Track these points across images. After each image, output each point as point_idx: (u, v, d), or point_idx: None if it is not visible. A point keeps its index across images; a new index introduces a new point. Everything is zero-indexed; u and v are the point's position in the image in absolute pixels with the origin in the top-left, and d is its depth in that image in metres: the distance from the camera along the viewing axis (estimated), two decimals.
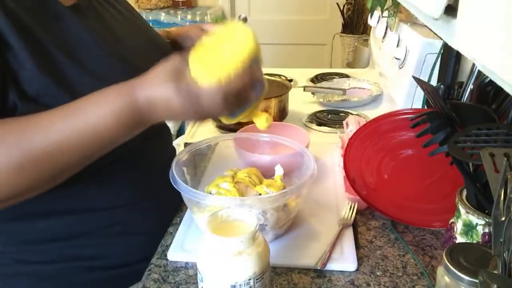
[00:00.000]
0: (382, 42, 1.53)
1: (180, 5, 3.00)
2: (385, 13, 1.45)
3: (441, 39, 0.51)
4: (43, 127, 0.63)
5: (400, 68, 1.28)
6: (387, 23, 1.46)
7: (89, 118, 0.63)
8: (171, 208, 0.93)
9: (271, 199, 0.77)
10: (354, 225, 0.87)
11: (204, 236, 0.61)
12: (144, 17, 2.89)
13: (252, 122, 0.83)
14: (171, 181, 0.79)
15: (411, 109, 1.07)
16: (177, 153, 1.01)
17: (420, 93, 1.17)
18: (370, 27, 1.77)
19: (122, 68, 0.76)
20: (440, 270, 0.59)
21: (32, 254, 0.79)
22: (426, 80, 1.12)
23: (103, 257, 0.82)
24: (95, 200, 0.80)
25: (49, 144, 0.62)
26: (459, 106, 0.75)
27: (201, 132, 1.35)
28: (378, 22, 1.54)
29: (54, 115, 0.64)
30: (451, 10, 0.41)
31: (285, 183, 0.89)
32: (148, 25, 0.98)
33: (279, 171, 0.89)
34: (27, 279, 0.80)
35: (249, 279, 0.59)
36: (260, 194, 0.83)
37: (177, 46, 1.00)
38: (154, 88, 0.64)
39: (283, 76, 1.77)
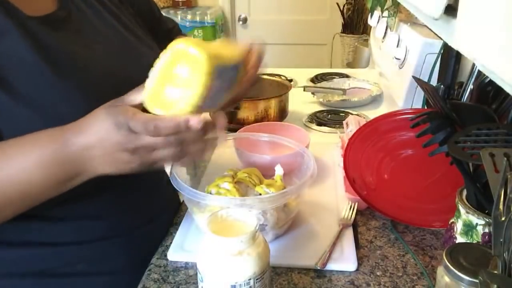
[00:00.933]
0: (382, 42, 1.53)
1: (180, 5, 2.99)
2: (385, 13, 1.45)
3: (441, 39, 0.51)
4: None
5: (400, 68, 1.28)
6: (387, 23, 1.46)
7: (11, 169, 0.58)
8: (146, 245, 0.83)
9: (271, 199, 0.77)
10: (354, 225, 0.87)
11: (204, 236, 0.61)
12: None
13: (253, 122, 0.83)
14: (171, 181, 0.79)
15: (411, 109, 1.07)
16: None
17: (420, 93, 1.17)
18: (370, 27, 1.76)
19: (76, 96, 0.66)
20: (440, 270, 0.59)
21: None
22: (426, 80, 1.12)
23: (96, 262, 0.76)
24: (55, 233, 0.72)
25: None
26: (459, 106, 0.74)
27: None
28: (378, 22, 1.54)
29: None
30: (451, 10, 0.40)
31: (285, 183, 0.89)
32: (140, 41, 0.84)
33: (279, 171, 0.89)
34: None
35: (249, 279, 0.59)
36: (260, 194, 0.83)
37: None
38: (90, 130, 0.58)
39: (283, 76, 1.77)
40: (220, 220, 0.63)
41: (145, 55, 0.79)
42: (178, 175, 0.80)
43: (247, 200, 0.77)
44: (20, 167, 0.58)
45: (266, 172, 1.00)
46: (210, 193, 0.83)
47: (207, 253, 0.60)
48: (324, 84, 1.65)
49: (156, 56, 0.59)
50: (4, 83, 0.61)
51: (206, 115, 0.60)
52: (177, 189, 0.78)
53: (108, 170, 0.60)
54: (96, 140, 0.58)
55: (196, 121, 0.56)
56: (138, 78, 0.64)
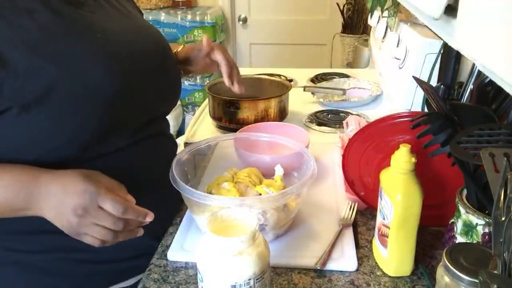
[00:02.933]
0: (382, 42, 1.53)
1: (180, 5, 2.99)
2: (385, 13, 1.45)
3: (441, 39, 0.51)
4: None
5: (400, 68, 1.28)
6: (387, 23, 1.46)
7: None
8: (172, 204, 0.93)
9: (271, 199, 0.77)
10: (354, 225, 0.87)
11: (204, 236, 0.61)
12: (144, 17, 2.91)
13: (253, 122, 0.83)
14: (171, 181, 0.79)
15: (410, 112, 1.07)
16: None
17: (420, 93, 1.17)
18: (370, 27, 1.77)
19: (98, 58, 0.75)
20: (440, 270, 0.59)
21: (21, 243, 0.79)
22: (426, 80, 1.12)
23: (93, 250, 0.77)
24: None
25: None
26: (458, 106, 0.74)
27: (201, 132, 1.35)
28: (378, 22, 1.54)
29: None
30: (451, 10, 0.40)
31: (285, 183, 0.89)
32: (147, 24, 0.99)
33: (279, 171, 0.89)
34: (14, 267, 0.80)
35: (249, 279, 0.59)
36: (260, 194, 0.83)
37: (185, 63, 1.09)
38: (61, 180, 0.70)
39: (283, 76, 1.77)
40: (220, 220, 0.63)
41: (150, 31, 0.94)
42: (179, 175, 0.80)
43: (247, 200, 0.77)
44: None
45: (266, 172, 1.00)
46: (210, 193, 0.83)
47: (207, 253, 0.60)
48: (324, 84, 1.65)
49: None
50: (36, 48, 0.69)
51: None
52: (177, 189, 0.78)
53: (51, 218, 0.70)
54: (60, 191, 0.68)
55: (151, 216, 0.71)
56: (147, 49, 0.86)
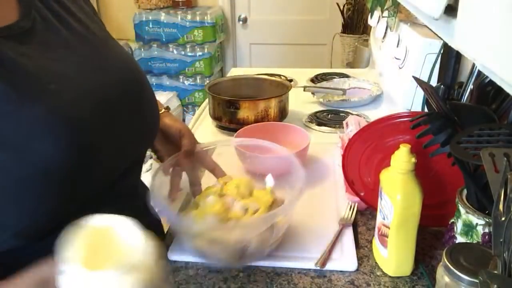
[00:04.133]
0: (382, 42, 1.53)
1: (180, 5, 2.99)
2: (385, 13, 1.45)
3: (441, 39, 0.51)
4: None
5: (400, 68, 1.28)
6: (387, 23, 1.46)
7: None
8: None
9: (252, 225, 0.72)
10: (354, 225, 0.87)
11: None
12: (144, 17, 2.93)
13: (253, 122, 0.82)
14: (148, 204, 0.72)
15: (410, 112, 1.07)
16: None
17: (420, 93, 1.17)
18: (370, 27, 1.77)
19: (49, 126, 0.56)
20: (440, 270, 0.59)
21: None
22: (426, 80, 1.12)
23: None
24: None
25: None
26: (458, 106, 0.74)
27: (201, 132, 1.35)
28: (378, 22, 1.54)
29: None
30: (451, 10, 0.41)
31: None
32: (117, 48, 0.76)
33: (269, 183, 0.86)
34: None
35: None
36: (246, 209, 0.77)
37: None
38: None
39: (283, 76, 1.77)
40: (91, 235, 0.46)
41: (119, 59, 0.73)
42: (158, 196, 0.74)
43: (227, 225, 0.72)
44: None
45: (266, 172, 1.00)
46: (198, 205, 0.79)
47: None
48: (324, 84, 1.65)
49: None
50: None
51: None
52: (156, 212, 0.72)
53: None
54: None
55: None
56: (117, 84, 0.65)
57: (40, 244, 0.55)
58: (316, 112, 1.44)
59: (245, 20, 3.21)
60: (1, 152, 0.51)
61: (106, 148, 0.62)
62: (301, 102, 1.52)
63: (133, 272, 0.44)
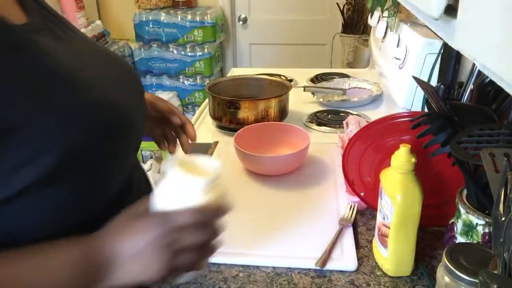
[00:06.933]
0: (382, 42, 1.53)
1: (180, 5, 2.99)
2: (385, 13, 1.45)
3: (441, 39, 0.51)
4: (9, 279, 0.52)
5: (400, 68, 1.28)
6: (387, 23, 1.46)
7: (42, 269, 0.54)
8: None
9: None
10: (354, 225, 0.87)
11: (166, 178, 0.60)
12: (144, 17, 2.93)
13: (253, 122, 0.81)
14: None
15: (410, 112, 1.07)
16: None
17: (420, 93, 1.17)
18: (370, 27, 1.77)
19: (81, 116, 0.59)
20: (440, 270, 0.59)
21: None
22: (426, 80, 1.12)
23: None
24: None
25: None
26: (458, 106, 0.75)
27: (201, 132, 1.35)
28: (378, 22, 1.54)
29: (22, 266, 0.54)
30: (451, 10, 0.41)
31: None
32: (103, 47, 0.83)
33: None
34: None
35: None
36: None
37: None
38: (126, 230, 0.57)
39: (283, 76, 1.77)
40: (185, 163, 0.62)
41: (115, 54, 0.81)
42: None
43: None
44: (50, 268, 0.55)
45: (266, 172, 1.00)
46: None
47: (174, 195, 0.59)
48: (324, 84, 1.65)
49: None
50: (49, 103, 0.55)
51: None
52: None
53: (136, 276, 0.57)
54: (130, 243, 0.56)
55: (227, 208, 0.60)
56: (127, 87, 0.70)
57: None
58: (316, 112, 1.44)
59: (245, 20, 3.21)
60: (78, 124, 0.57)
61: (131, 125, 0.68)
62: (301, 102, 1.52)
63: (216, 183, 0.60)
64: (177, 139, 0.91)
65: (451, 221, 0.74)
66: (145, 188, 0.79)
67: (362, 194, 0.89)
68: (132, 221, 0.58)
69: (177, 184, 0.59)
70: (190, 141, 0.90)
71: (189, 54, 2.94)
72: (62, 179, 0.56)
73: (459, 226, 0.72)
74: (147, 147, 2.55)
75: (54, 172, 0.55)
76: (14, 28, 0.56)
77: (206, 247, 0.60)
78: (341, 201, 0.93)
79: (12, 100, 0.52)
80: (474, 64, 0.77)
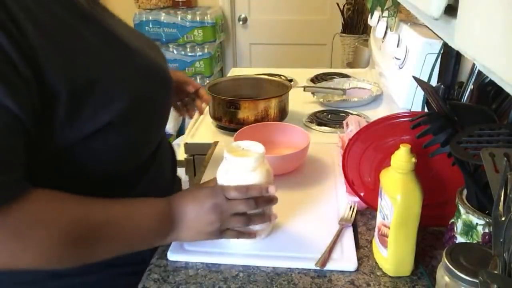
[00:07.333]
0: (382, 42, 1.53)
1: (180, 5, 2.99)
2: (385, 13, 1.45)
3: (441, 39, 0.51)
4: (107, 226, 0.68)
5: (400, 68, 1.28)
6: (387, 23, 1.46)
7: (138, 220, 0.72)
8: None
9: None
10: (354, 225, 0.87)
11: (224, 161, 0.78)
12: (144, 17, 2.93)
13: (253, 122, 0.83)
14: None
15: (410, 112, 1.07)
16: (176, 153, 1.01)
17: (420, 93, 1.17)
18: (370, 27, 1.77)
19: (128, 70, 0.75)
20: (440, 270, 0.59)
21: None
22: (426, 80, 1.12)
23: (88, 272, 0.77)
24: None
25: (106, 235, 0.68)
26: (458, 106, 0.75)
27: (201, 133, 1.35)
28: (378, 22, 1.54)
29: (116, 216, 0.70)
30: (451, 10, 0.41)
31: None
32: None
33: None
34: None
35: None
36: None
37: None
38: (190, 195, 0.77)
39: (283, 76, 1.77)
40: (236, 148, 0.80)
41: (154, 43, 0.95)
42: None
43: None
44: (137, 213, 0.72)
45: None
46: None
47: (228, 172, 0.77)
48: (324, 84, 1.65)
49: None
50: (114, 63, 0.71)
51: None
52: None
53: (191, 236, 0.77)
54: (194, 204, 0.75)
55: (273, 189, 0.77)
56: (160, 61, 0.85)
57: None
58: (316, 112, 1.44)
59: (245, 20, 3.21)
60: (139, 79, 0.74)
61: (162, 98, 0.83)
62: (301, 102, 1.52)
63: (260, 162, 0.78)
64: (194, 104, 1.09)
65: (451, 221, 0.74)
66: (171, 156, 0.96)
67: (362, 194, 0.89)
68: (197, 191, 0.78)
69: (231, 165, 0.77)
70: (204, 104, 1.09)
71: (189, 54, 2.94)
72: (130, 121, 0.71)
73: (459, 226, 0.72)
74: None
75: (124, 115, 0.69)
76: (77, 3, 0.69)
77: (254, 217, 0.77)
78: (341, 201, 0.93)
79: (97, 55, 0.68)
80: (474, 64, 0.77)
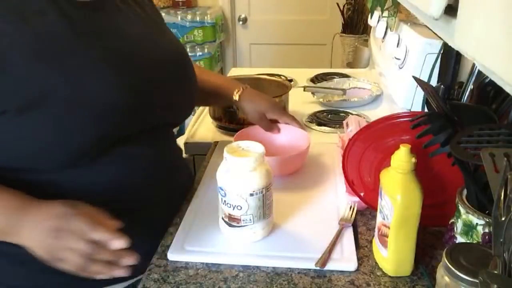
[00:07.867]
0: (382, 42, 1.53)
1: (180, 5, 2.99)
2: (385, 13, 1.45)
3: (441, 39, 0.51)
4: None
5: (400, 68, 1.28)
6: (387, 23, 1.46)
7: None
8: (172, 204, 0.93)
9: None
10: (354, 225, 0.87)
11: (224, 160, 0.78)
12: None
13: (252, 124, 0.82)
14: None
15: (410, 112, 1.07)
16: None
17: (420, 93, 1.17)
18: (370, 27, 1.77)
19: (101, 68, 0.75)
20: (440, 270, 0.59)
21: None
22: (426, 80, 1.12)
23: None
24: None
25: None
26: (458, 106, 0.75)
27: (201, 132, 1.35)
28: (378, 22, 1.54)
29: None
30: (451, 10, 0.41)
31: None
32: (167, 30, 0.97)
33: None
34: (7, 260, 0.79)
35: (262, 188, 0.77)
36: None
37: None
38: (41, 206, 0.71)
39: (283, 76, 1.77)
40: (236, 149, 0.80)
41: (169, 39, 0.94)
42: None
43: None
44: None
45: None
46: None
47: (230, 172, 0.78)
48: (324, 84, 1.65)
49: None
50: (40, 54, 0.70)
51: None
52: None
53: (29, 245, 0.70)
54: (38, 215, 0.70)
55: (122, 243, 0.68)
56: (164, 60, 0.86)
57: (77, 165, 0.75)
58: (316, 112, 1.44)
59: (245, 20, 3.21)
60: (58, 76, 0.70)
61: (147, 103, 0.82)
62: (301, 102, 1.52)
63: (259, 162, 0.78)
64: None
65: (451, 221, 0.74)
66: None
67: (362, 194, 0.89)
68: (55, 203, 0.71)
69: (231, 165, 0.77)
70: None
71: (189, 54, 2.93)
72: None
73: (459, 226, 0.72)
74: None
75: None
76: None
77: (95, 262, 0.69)
78: (341, 201, 0.93)
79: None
80: (474, 64, 0.77)
